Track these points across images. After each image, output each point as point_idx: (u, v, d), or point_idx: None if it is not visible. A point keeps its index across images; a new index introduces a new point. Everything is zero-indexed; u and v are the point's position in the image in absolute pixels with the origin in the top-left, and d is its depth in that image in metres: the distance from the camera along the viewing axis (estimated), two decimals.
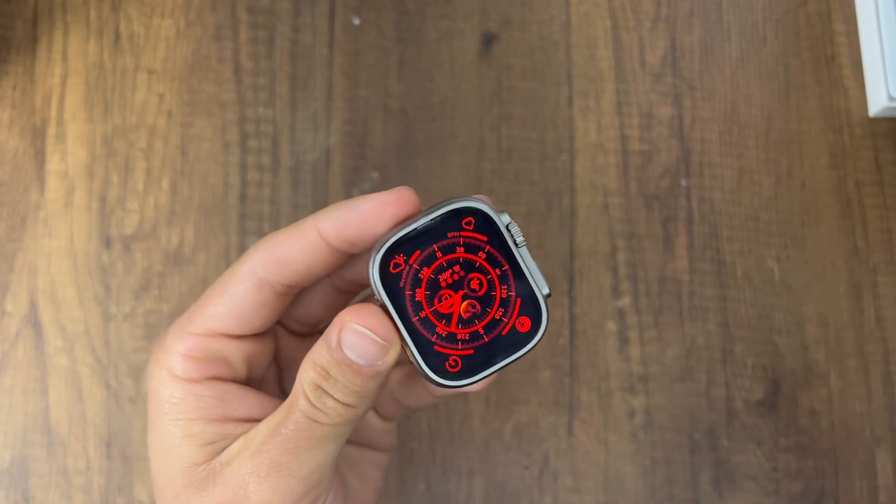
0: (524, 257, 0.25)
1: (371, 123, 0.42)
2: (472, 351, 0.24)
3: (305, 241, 0.25)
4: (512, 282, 0.24)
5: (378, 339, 0.23)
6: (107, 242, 0.39)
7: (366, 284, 0.27)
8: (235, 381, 0.27)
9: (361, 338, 0.23)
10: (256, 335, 0.27)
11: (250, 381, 0.28)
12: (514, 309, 0.25)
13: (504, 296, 0.24)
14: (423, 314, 0.24)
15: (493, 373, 0.25)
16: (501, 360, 0.24)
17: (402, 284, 0.24)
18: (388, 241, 0.24)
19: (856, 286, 0.42)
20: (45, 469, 0.37)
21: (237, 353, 0.26)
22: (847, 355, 0.42)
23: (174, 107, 0.41)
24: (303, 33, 0.42)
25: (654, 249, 0.42)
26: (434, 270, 0.24)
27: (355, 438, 0.30)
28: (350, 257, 0.27)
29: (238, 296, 0.26)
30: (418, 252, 0.24)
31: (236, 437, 0.25)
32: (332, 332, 0.23)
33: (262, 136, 0.41)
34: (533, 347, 0.25)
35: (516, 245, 0.24)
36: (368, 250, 0.26)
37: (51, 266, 0.39)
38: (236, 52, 0.42)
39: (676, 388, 0.40)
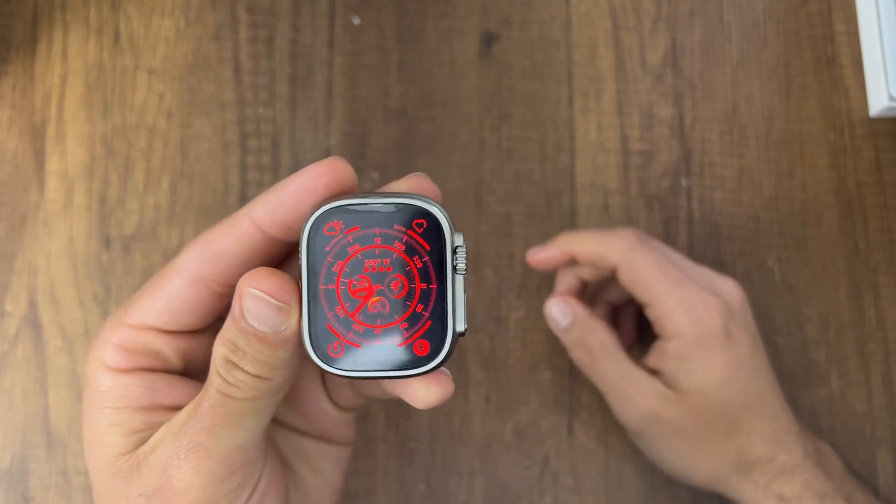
0: (456, 286, 0.23)
1: (371, 123, 0.42)
2: (358, 346, 0.23)
3: (238, 231, 0.24)
4: (432, 303, 0.23)
5: (274, 302, 0.22)
6: (106, 242, 0.39)
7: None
8: (168, 371, 0.26)
9: (259, 302, 0.22)
10: (193, 332, 0.27)
11: (191, 374, 0.27)
12: (420, 328, 0.23)
13: (417, 311, 0.23)
14: (331, 286, 0.23)
15: (366, 378, 0.23)
16: (381, 371, 0.23)
17: (327, 249, 0.23)
18: (334, 202, 0.23)
19: (856, 286, 0.42)
20: (45, 469, 0.37)
21: (170, 347, 0.26)
22: (848, 355, 0.41)
23: (174, 107, 0.41)
24: (303, 33, 0.42)
25: None
26: (364, 252, 0.23)
27: (309, 429, 0.29)
28: (287, 254, 0.26)
29: (172, 291, 0.25)
30: (358, 227, 0.23)
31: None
32: (234, 301, 0.23)
33: (262, 136, 0.41)
34: (417, 374, 0.23)
35: (455, 270, 0.23)
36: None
37: (50, 266, 0.39)
38: (236, 52, 0.42)
39: None
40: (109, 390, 0.25)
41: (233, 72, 0.41)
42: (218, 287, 0.26)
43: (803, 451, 0.35)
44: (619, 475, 0.40)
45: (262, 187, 0.40)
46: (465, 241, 0.23)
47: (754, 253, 0.42)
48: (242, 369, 0.23)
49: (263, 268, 0.23)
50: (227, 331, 0.23)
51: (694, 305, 0.35)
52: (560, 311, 0.38)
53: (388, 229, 0.23)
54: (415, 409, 0.39)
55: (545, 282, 0.41)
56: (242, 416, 0.24)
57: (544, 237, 0.41)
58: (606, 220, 0.42)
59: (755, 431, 0.35)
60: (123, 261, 0.39)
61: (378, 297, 0.23)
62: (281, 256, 0.26)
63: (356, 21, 0.43)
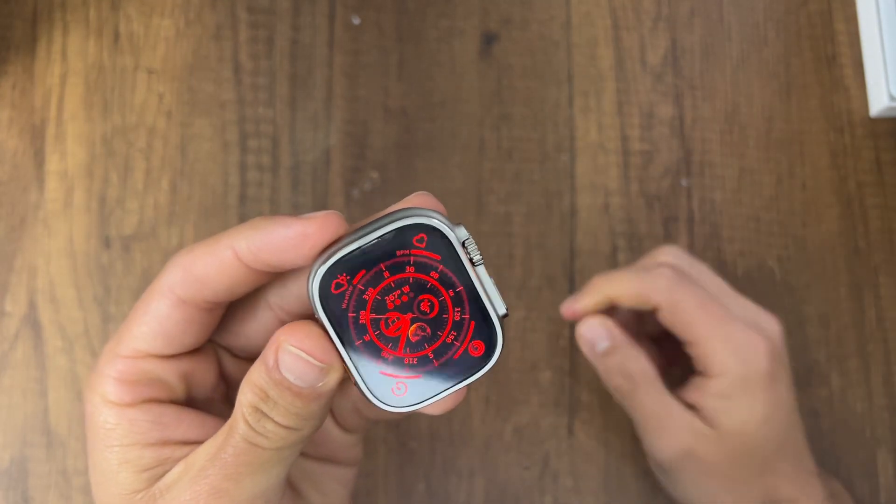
0: (481, 276, 0.23)
1: (371, 123, 0.42)
2: (419, 376, 0.23)
3: (221, 261, 0.24)
4: (466, 304, 0.23)
5: (315, 363, 0.22)
6: (106, 242, 0.39)
7: (310, 316, 0.25)
8: (173, 401, 0.26)
9: (298, 360, 0.22)
10: (191, 353, 0.26)
11: (194, 401, 0.27)
12: (467, 332, 0.23)
13: (457, 319, 0.23)
14: (367, 338, 0.22)
15: (440, 399, 0.23)
16: (451, 385, 0.23)
17: (344, 306, 0.22)
18: (329, 259, 0.22)
19: (857, 286, 0.42)
20: (45, 469, 0.37)
21: (171, 372, 0.25)
22: (848, 355, 0.41)
23: (174, 106, 0.41)
24: (303, 33, 0.42)
25: None
26: (381, 291, 0.22)
27: (315, 452, 0.29)
28: (278, 274, 0.25)
29: (161, 315, 0.24)
30: (363, 272, 0.22)
31: (176, 462, 0.24)
32: (269, 351, 0.22)
33: (261, 136, 0.41)
34: (486, 371, 0.23)
35: (473, 264, 0.22)
36: (306, 267, 0.24)
37: (50, 266, 0.39)
38: (236, 52, 0.42)
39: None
40: (116, 427, 0.24)
41: (233, 72, 0.41)
42: (205, 305, 0.25)
43: (823, 493, 0.35)
44: (619, 475, 0.40)
45: (262, 187, 0.40)
46: (468, 231, 0.23)
47: (754, 253, 0.42)
48: (272, 419, 0.23)
49: (303, 323, 0.22)
50: (258, 378, 0.23)
51: (740, 345, 0.34)
52: (597, 334, 0.36)
53: (392, 259, 0.22)
54: None
55: (545, 282, 0.41)
56: (268, 464, 0.23)
57: (544, 237, 0.41)
58: (606, 221, 0.42)
59: (781, 472, 0.35)
60: (123, 261, 0.39)
61: (415, 325, 0.23)
62: (266, 280, 0.26)
63: (356, 21, 0.43)
